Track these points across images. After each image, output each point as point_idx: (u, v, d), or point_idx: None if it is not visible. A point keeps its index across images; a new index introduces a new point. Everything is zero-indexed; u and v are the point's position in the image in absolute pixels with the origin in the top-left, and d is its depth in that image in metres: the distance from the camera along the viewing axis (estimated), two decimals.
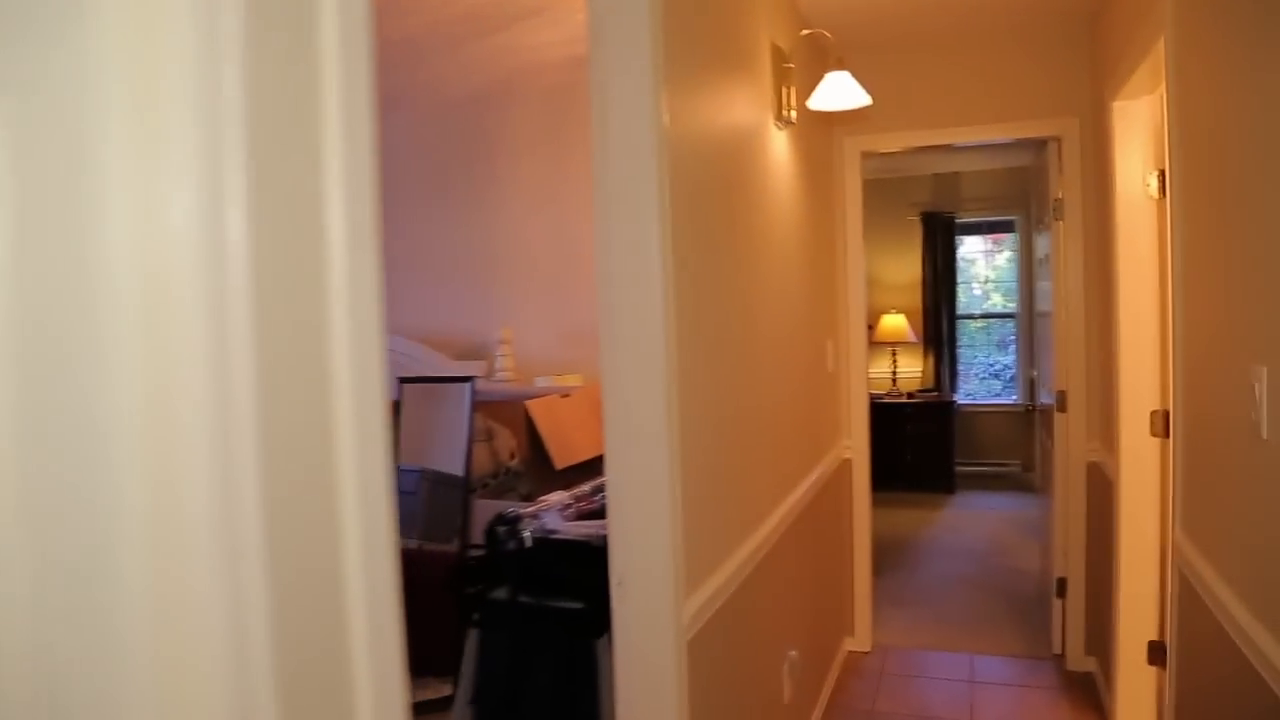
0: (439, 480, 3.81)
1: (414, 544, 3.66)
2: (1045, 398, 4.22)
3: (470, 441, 3.70)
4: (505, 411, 4.07)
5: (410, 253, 4.92)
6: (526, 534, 2.29)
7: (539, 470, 3.62)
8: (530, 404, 3.45)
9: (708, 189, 2.15)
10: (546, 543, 2.32)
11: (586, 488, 2.58)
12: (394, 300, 4.90)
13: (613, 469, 1.90)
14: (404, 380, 3.91)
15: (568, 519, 2.44)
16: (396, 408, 3.88)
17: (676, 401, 1.88)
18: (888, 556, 5.44)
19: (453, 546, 3.62)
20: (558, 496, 2.49)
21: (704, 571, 2.05)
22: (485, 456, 4.17)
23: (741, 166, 2.46)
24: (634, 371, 1.87)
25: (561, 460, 3.42)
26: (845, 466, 3.97)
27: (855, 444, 4.03)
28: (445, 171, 4.79)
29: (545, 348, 4.49)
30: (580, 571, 2.25)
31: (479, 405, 4.02)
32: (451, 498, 3.73)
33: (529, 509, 2.39)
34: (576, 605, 2.26)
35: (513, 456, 4.24)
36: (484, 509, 3.72)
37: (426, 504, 3.85)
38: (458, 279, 4.76)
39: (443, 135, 4.80)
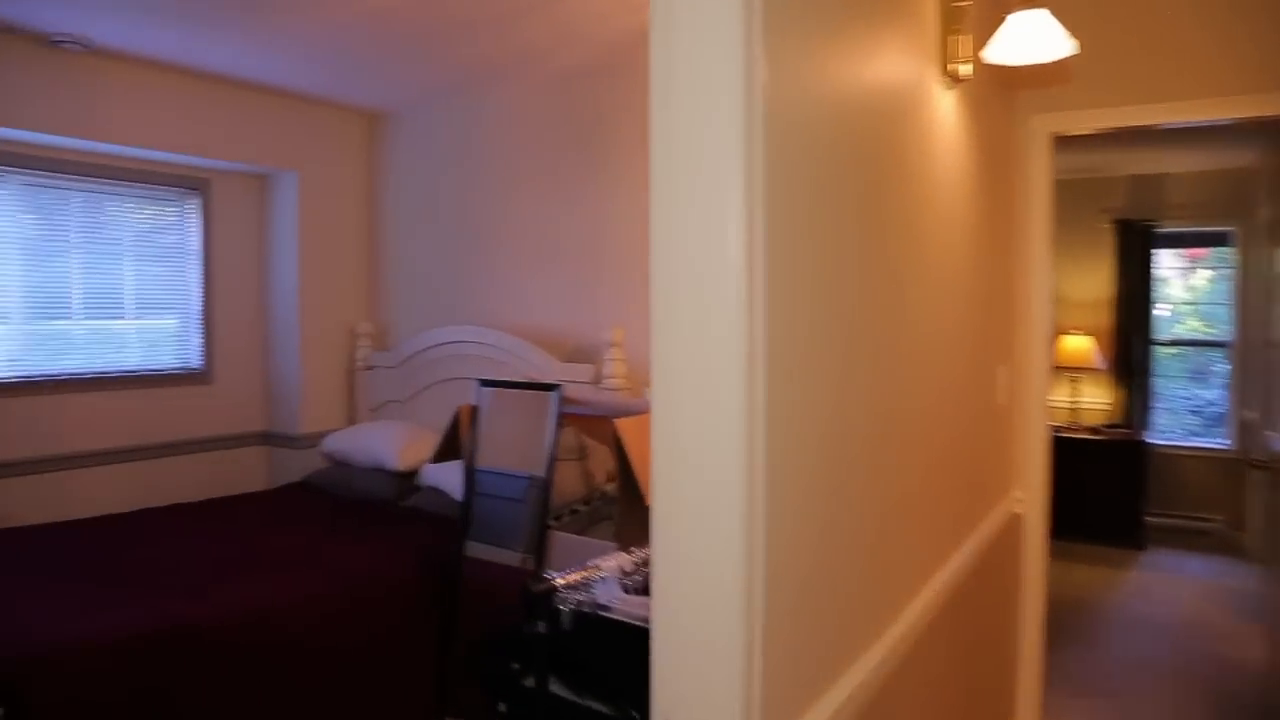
0: (540, 488, 3.29)
1: (518, 557, 3.15)
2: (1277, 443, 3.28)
3: (552, 459, 3.16)
4: (604, 426, 3.50)
5: (516, 241, 4.43)
6: (565, 609, 1.69)
7: (632, 505, 3.03)
8: (620, 422, 2.87)
9: (832, 169, 1.50)
10: (592, 622, 1.72)
11: None
12: (499, 293, 4.42)
13: (660, 546, 1.29)
14: (484, 383, 3.41)
15: (631, 589, 1.83)
16: (474, 413, 3.39)
17: (762, 448, 1.25)
18: (1062, 624, 4.53)
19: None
20: (619, 560, 1.89)
21: (804, 698, 1.40)
22: (575, 478, 3.63)
23: (888, 138, 1.78)
24: (694, 406, 1.25)
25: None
26: (1015, 523, 3.17)
27: (1030, 495, 3.23)
28: (554, 152, 4.28)
29: None
30: (636, 665, 1.63)
31: (574, 418, 3.47)
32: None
33: (574, 574, 1.80)
34: (631, 716, 1.65)
35: (611, 480, 3.67)
36: (564, 548, 3.16)
37: (534, 516, 3.34)
38: (567, 271, 4.24)
39: (551, 112, 4.29)
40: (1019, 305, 3.23)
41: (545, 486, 3.15)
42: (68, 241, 4.19)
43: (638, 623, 1.68)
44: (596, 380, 3.92)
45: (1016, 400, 3.20)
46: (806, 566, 1.42)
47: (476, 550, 3.29)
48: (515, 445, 3.35)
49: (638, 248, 3.94)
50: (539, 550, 3.13)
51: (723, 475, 1.24)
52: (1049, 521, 3.30)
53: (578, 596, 1.78)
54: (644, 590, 1.86)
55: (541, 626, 1.66)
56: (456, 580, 3.27)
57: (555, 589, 1.72)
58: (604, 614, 1.74)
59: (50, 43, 3.67)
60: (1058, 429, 6.21)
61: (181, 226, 4.64)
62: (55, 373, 4.13)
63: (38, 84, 3.75)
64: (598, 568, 1.83)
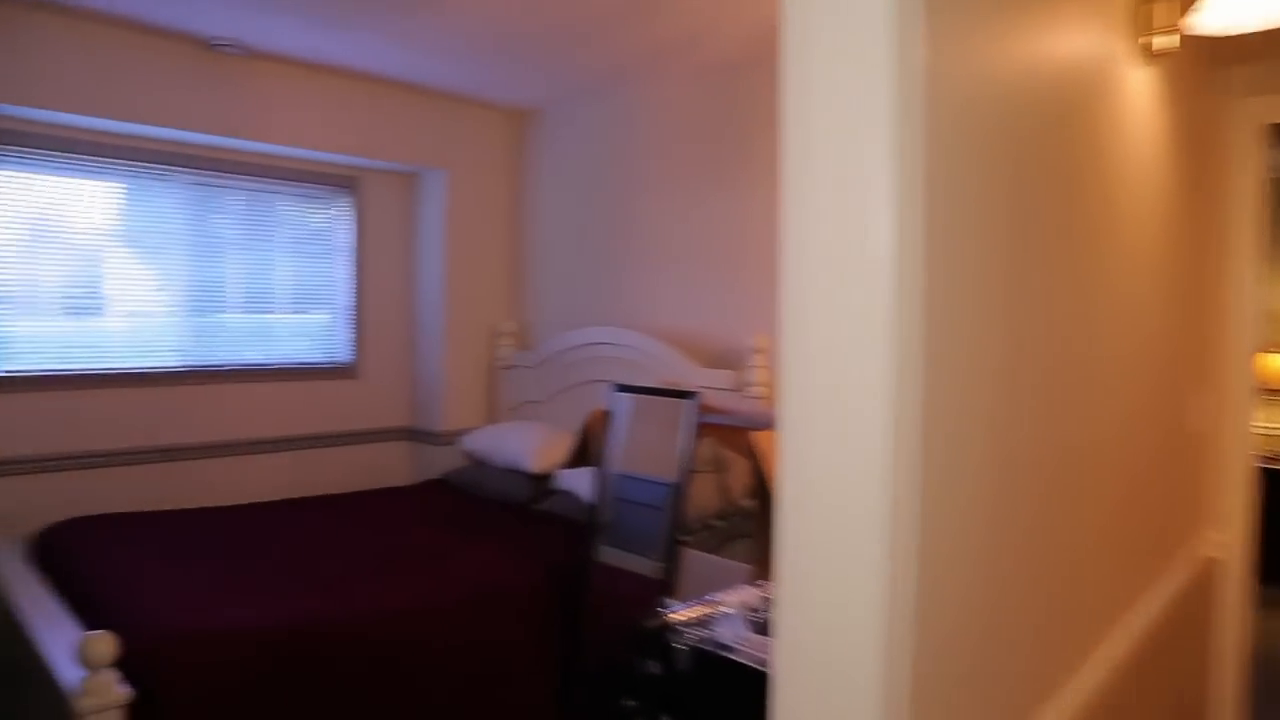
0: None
1: (651, 566, 3.02)
2: None
3: (687, 469, 3.00)
4: (742, 438, 3.32)
5: (660, 240, 4.29)
6: (683, 647, 1.53)
7: (769, 525, 2.84)
8: (758, 436, 2.68)
9: (1002, 161, 1.27)
10: (713, 663, 1.55)
11: None
12: (641, 294, 4.30)
13: (785, 584, 1.10)
14: (620, 388, 3.29)
15: (758, 628, 1.65)
16: (608, 418, 3.27)
17: (911, 480, 1.05)
18: (1269, 686, 4.00)
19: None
20: (746, 594, 1.70)
21: None
22: (712, 491, 3.45)
23: (1070, 125, 1.53)
24: (830, 427, 1.06)
25: None
26: (1209, 568, 2.78)
27: (1229, 535, 2.83)
28: (699, 149, 4.11)
29: None
30: (759, 714, 1.45)
31: (711, 428, 3.30)
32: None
33: (695, 609, 1.63)
34: None
35: (749, 495, 3.48)
36: (696, 566, 3.00)
37: (670, 524, 3.21)
38: (712, 272, 4.07)
39: (696, 107, 4.12)
40: (1217, 319, 2.83)
41: (680, 496, 3.00)
42: (226, 238, 4.36)
43: (763, 667, 1.50)
44: (738, 388, 3.74)
45: (1212, 427, 2.81)
46: (961, 616, 1.20)
47: (609, 556, 3.17)
48: (649, 453, 3.21)
49: None
50: (671, 563, 2.98)
51: (863, 510, 1.04)
52: (1254, 566, 2.88)
53: (699, 633, 1.61)
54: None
55: (656, 667, 1.51)
56: (585, 590, 3.16)
57: (672, 625, 1.56)
58: (725, 655, 1.56)
59: (210, 47, 3.80)
60: (1264, 459, 5.55)
61: (333, 224, 4.76)
62: (213, 364, 4.30)
63: (200, 87, 3.89)
64: (722, 603, 1.66)
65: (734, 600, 1.66)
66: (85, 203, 3.92)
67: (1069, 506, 1.56)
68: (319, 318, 4.74)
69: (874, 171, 1.02)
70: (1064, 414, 1.52)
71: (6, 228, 3.70)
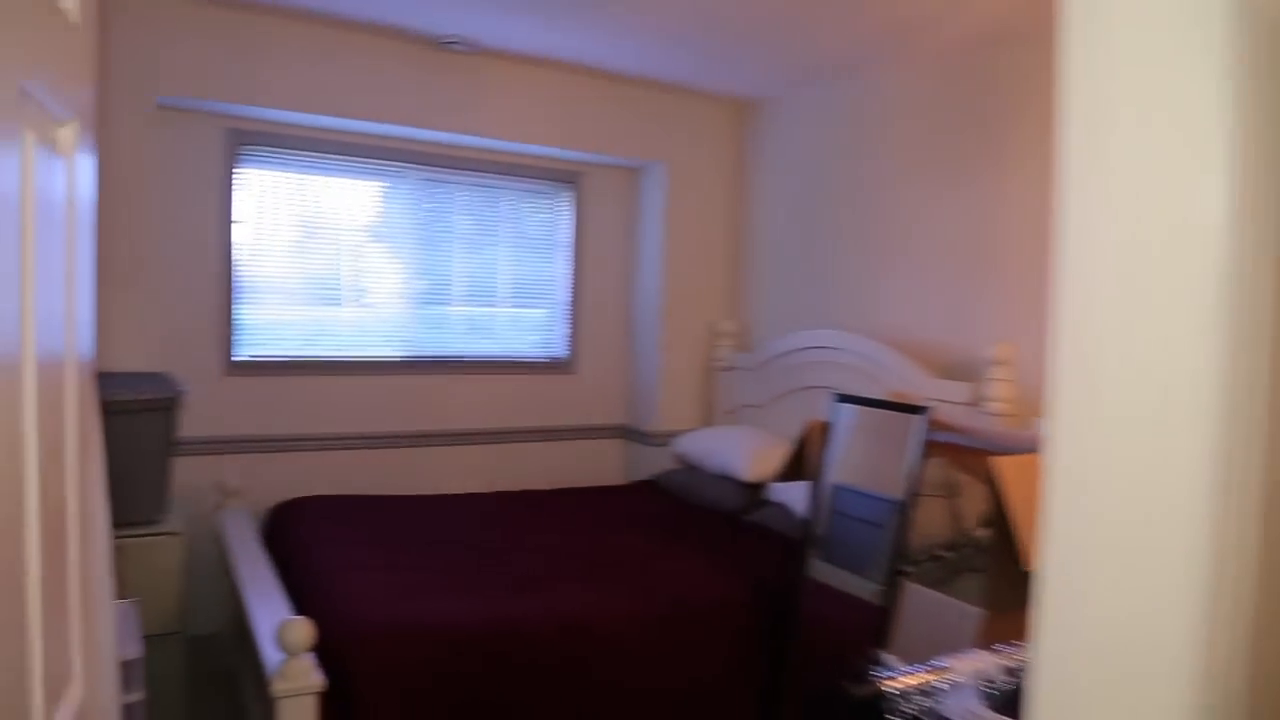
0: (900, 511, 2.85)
1: (871, 589, 2.75)
2: None
3: (913, 492, 2.67)
4: (979, 461, 2.93)
5: (892, 238, 3.94)
6: None
7: (1006, 564, 2.45)
8: (999, 461, 2.31)
9: None
10: None
11: None
12: (869, 296, 3.96)
13: (1044, 657, 0.82)
14: (840, 398, 3.00)
15: (995, 704, 1.35)
16: (827, 429, 2.99)
17: (1252, 541, 0.74)
18: None
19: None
20: (981, 660, 1.40)
21: None
22: (941, 518, 3.08)
23: None
24: (1121, 459, 0.77)
25: (1037, 558, 2.24)
26: None
27: None
28: (938, 138, 3.72)
29: None
30: None
31: (944, 447, 2.95)
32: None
33: (916, 675, 1.35)
34: None
35: (985, 525, 3.08)
36: (919, 603, 2.67)
37: (893, 545, 2.91)
38: (949, 274, 3.67)
39: (934, 93, 3.73)
40: None
41: (905, 516, 2.68)
42: (454, 233, 4.45)
43: None
44: (975, 402, 3.34)
45: None
46: None
47: (824, 574, 2.90)
48: (871, 470, 2.91)
49: (1037, 249, 3.29)
50: (891, 589, 2.67)
51: (1170, 576, 0.74)
52: None
53: (920, 704, 1.33)
54: (1012, 708, 1.36)
55: None
56: (795, 609, 2.91)
57: (886, 693, 1.29)
58: None
59: (440, 45, 3.86)
60: None
61: (554, 219, 4.75)
62: (436, 355, 4.41)
63: (431, 85, 3.98)
64: (950, 668, 1.37)
65: (966, 667, 1.36)
66: (334, 199, 4.12)
67: None
68: (537, 313, 4.76)
69: (1202, 135, 0.72)
70: None
71: (262, 223, 3.95)
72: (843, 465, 2.94)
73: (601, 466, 4.89)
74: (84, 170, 1.01)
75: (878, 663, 1.41)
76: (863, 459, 2.89)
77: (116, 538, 2.77)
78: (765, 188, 4.71)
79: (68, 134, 0.93)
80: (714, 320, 4.83)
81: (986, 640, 2.26)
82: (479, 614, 2.58)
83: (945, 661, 1.38)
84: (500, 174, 4.52)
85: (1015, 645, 1.42)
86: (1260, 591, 0.75)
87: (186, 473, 3.73)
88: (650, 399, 4.78)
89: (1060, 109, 0.82)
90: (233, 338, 3.91)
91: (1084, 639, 0.79)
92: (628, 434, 4.94)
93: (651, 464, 4.68)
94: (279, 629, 1.98)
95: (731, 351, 4.73)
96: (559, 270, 4.77)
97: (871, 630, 2.70)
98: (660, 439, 4.70)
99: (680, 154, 4.69)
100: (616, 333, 4.94)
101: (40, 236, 0.79)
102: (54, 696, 0.86)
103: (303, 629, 1.99)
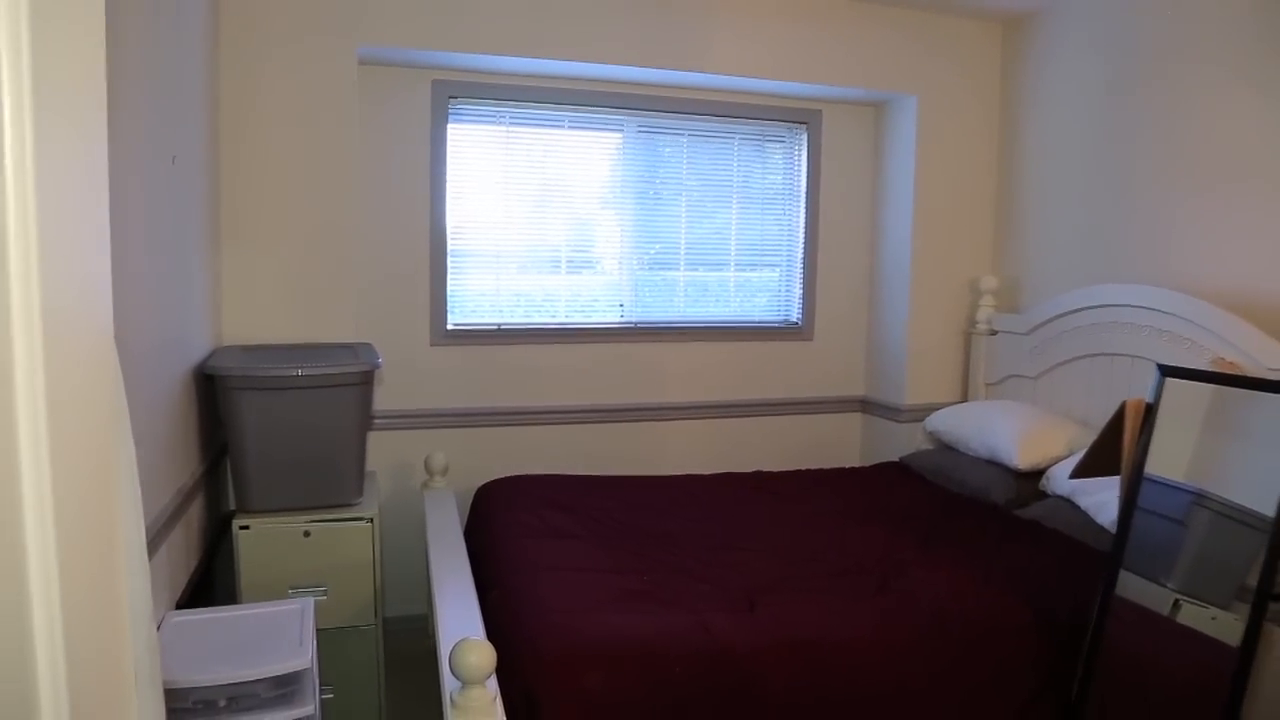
0: (1228, 515, 2.17)
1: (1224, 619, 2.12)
2: None
3: None
4: None
5: (1209, 166, 3.11)
6: None
7: None
8: None
9: None
10: None
11: None
12: (1179, 241, 3.14)
13: None
14: (1166, 371, 2.30)
15: None
16: (1149, 412, 2.31)
17: None
18: None
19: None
20: None
21: None
22: None
23: None
24: None
25: None
26: None
27: None
28: (1260, 30, 2.84)
29: None
30: None
31: None
32: (1239, 545, 2.09)
33: None
34: None
35: None
36: None
37: (1199, 543, 2.25)
38: None
39: None
40: None
41: (1276, 530, 1.99)
42: (678, 188, 4.03)
43: None
44: None
45: None
46: None
47: (1136, 589, 2.26)
48: (1215, 468, 2.22)
49: None
50: (1253, 625, 1.99)
51: None
52: None
53: None
54: None
55: None
56: (1099, 643, 2.28)
57: None
58: None
59: None
60: None
61: (789, 166, 4.22)
62: (657, 321, 4.03)
63: (650, 20, 3.56)
64: None
65: None
66: (551, 155, 3.83)
67: None
68: (768, 274, 4.26)
69: None
70: None
71: (475, 184, 3.72)
72: (1166, 459, 2.27)
73: (839, 444, 4.35)
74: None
75: None
76: (1204, 452, 2.20)
77: (309, 521, 2.66)
78: (1036, 118, 3.93)
79: None
80: (975, 276, 4.12)
81: None
82: (695, 635, 2.16)
83: None
84: (726, 118, 4.04)
85: None
86: None
87: (395, 448, 3.59)
88: (896, 368, 4.17)
89: None
90: (445, 305, 3.71)
91: None
92: (869, 407, 4.36)
93: (897, 443, 4.08)
94: (455, 652, 1.65)
95: (995, 313, 4.02)
96: (794, 224, 4.25)
97: (1215, 677, 2.05)
98: (908, 414, 4.09)
99: (934, 82, 4.00)
100: (858, 293, 4.36)
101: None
102: None
103: (481, 655, 1.65)
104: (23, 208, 0.55)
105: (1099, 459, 2.44)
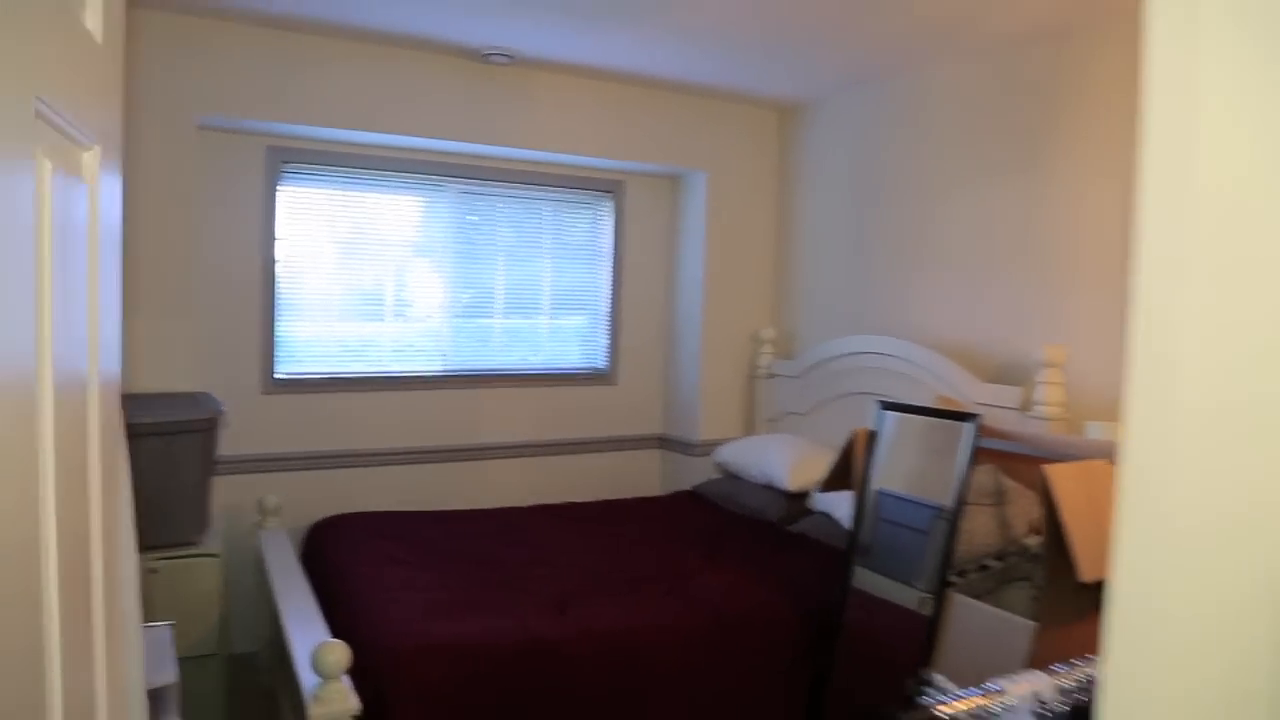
0: (940, 516, 2.77)
1: (916, 598, 2.68)
2: None
3: (961, 501, 2.60)
4: (1029, 467, 2.85)
5: (937, 242, 3.86)
6: None
7: (1060, 574, 2.37)
8: (1052, 470, 2.24)
9: None
10: None
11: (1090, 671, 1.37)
12: (914, 301, 3.88)
13: (1116, 678, 0.77)
14: (885, 406, 2.94)
15: None
16: (872, 438, 2.93)
17: None
18: None
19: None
20: (1036, 681, 1.34)
21: None
22: (989, 527, 3.00)
23: None
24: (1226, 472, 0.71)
25: (1092, 568, 2.15)
26: None
27: None
28: (985, 138, 3.64)
29: (1109, 380, 3.13)
30: None
31: (993, 455, 2.88)
32: (941, 539, 2.69)
33: (965, 700, 1.29)
34: None
35: (1035, 533, 2.99)
36: (965, 616, 2.59)
37: (939, 553, 2.85)
38: (997, 277, 3.59)
39: (983, 90, 3.65)
40: None
41: (952, 524, 2.61)
42: (494, 245, 4.45)
43: None
44: (1024, 407, 3.25)
45: None
46: None
47: (867, 581, 2.84)
48: (918, 479, 2.84)
49: (1088, 247, 3.20)
50: (938, 599, 2.60)
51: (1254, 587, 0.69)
52: None
53: None
54: None
55: None
56: (840, 620, 2.85)
57: (937, 719, 1.24)
58: None
59: (482, 58, 3.86)
60: None
61: (597, 228, 4.74)
62: (474, 369, 4.42)
63: (474, 98, 3.98)
64: (1003, 691, 1.31)
65: (1020, 690, 1.31)
66: (376, 214, 4.15)
67: None
68: (578, 321, 4.74)
69: None
70: None
71: (304, 240, 3.99)
72: (889, 474, 2.88)
73: (641, 477, 4.86)
74: (108, 195, 1.00)
75: (928, 684, 1.36)
76: (910, 467, 2.82)
77: (155, 559, 2.84)
78: (808, 192, 4.66)
79: (90, 158, 0.93)
80: (756, 327, 4.78)
81: (1039, 655, 2.19)
82: (517, 633, 2.56)
83: (998, 684, 1.32)
84: (541, 185, 4.52)
85: (1070, 663, 1.36)
86: None
87: (228, 491, 3.75)
88: (690, 408, 4.75)
89: (1143, 98, 0.76)
90: (274, 355, 3.94)
91: (1161, 655, 0.74)
92: (667, 444, 4.91)
93: (692, 474, 4.64)
94: (314, 652, 1.98)
95: (773, 359, 4.68)
96: (600, 280, 4.76)
97: (918, 643, 2.64)
98: (701, 449, 4.66)
99: (721, 161, 4.65)
100: (656, 342, 4.92)
101: (58, 260, 0.78)
102: None
103: (338, 652, 1.98)
104: None
105: (837, 477, 3.04)
